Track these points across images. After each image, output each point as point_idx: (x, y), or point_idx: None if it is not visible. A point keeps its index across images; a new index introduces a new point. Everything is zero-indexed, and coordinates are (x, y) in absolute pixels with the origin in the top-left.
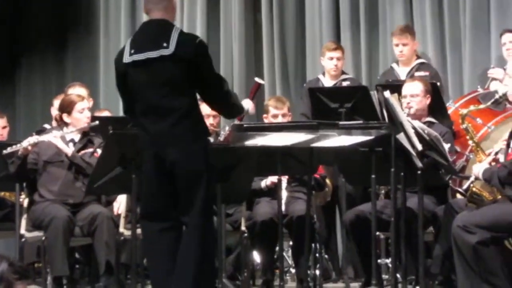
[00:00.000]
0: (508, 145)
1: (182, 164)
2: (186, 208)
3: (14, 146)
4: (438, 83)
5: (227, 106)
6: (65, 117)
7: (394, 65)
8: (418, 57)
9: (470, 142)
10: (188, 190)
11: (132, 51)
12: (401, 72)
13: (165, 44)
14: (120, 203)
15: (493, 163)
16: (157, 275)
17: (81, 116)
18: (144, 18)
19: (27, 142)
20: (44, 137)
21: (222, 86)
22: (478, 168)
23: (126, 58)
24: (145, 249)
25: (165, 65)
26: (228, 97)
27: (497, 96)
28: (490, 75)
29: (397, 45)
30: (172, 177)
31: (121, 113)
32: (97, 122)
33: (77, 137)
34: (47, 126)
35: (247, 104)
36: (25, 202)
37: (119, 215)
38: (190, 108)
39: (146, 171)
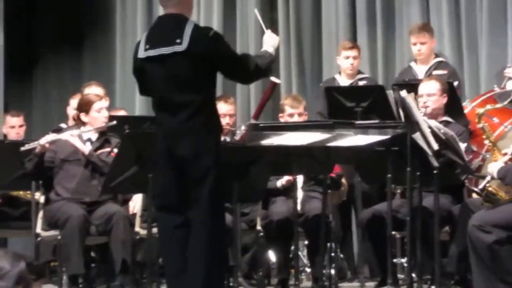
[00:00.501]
0: None
1: (190, 159)
2: (193, 204)
3: (32, 143)
4: (456, 82)
5: (255, 79)
6: (82, 116)
7: (412, 64)
8: (437, 55)
9: (486, 141)
10: (196, 186)
11: (147, 46)
12: (419, 70)
13: (178, 40)
14: (136, 202)
15: (509, 162)
16: (171, 274)
17: (98, 116)
18: (161, 13)
19: (45, 140)
20: (62, 136)
21: (245, 68)
22: (493, 167)
23: (141, 53)
24: (161, 244)
25: (178, 61)
26: (253, 74)
27: None
28: (507, 74)
29: (415, 43)
30: (183, 172)
31: (137, 112)
32: (114, 122)
33: (94, 136)
34: (63, 125)
35: (272, 46)
36: (41, 199)
37: (134, 214)
38: (203, 104)
39: (159, 165)
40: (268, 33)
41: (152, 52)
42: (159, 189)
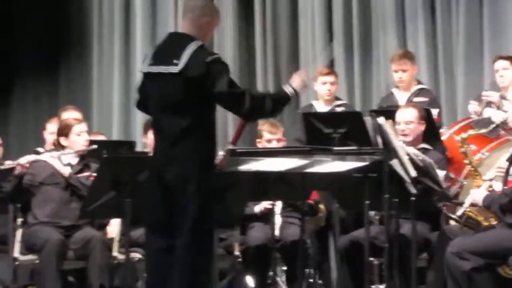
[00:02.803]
0: (507, 172)
1: (175, 185)
2: (176, 231)
3: (11, 163)
4: (437, 110)
5: (255, 116)
6: (62, 140)
7: (395, 90)
8: (418, 82)
9: (468, 166)
10: (179, 213)
11: (151, 62)
12: (401, 97)
13: (175, 61)
14: (114, 226)
15: (489, 189)
16: None
17: (78, 139)
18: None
19: (25, 160)
20: (41, 156)
21: (237, 103)
22: (477, 195)
23: (144, 67)
24: (146, 267)
25: (171, 82)
26: (251, 112)
27: (498, 122)
28: (484, 98)
29: (396, 71)
30: (169, 197)
31: (115, 137)
32: (95, 146)
33: (74, 160)
34: (40, 149)
35: (291, 88)
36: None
37: (112, 239)
38: (191, 128)
39: (149, 184)
40: (302, 72)
41: (152, 69)
42: (147, 207)
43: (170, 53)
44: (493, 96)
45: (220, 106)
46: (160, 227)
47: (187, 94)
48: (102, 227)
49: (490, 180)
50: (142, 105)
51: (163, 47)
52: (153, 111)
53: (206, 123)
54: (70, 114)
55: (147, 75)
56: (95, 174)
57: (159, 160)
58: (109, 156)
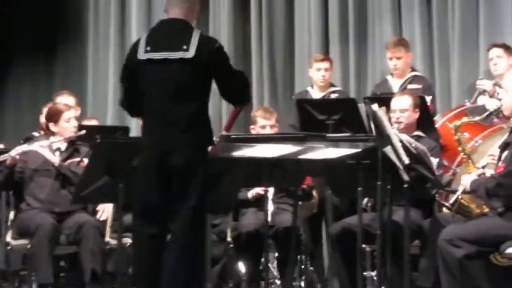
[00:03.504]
0: (499, 159)
1: (182, 171)
2: (175, 217)
3: (1, 156)
4: (431, 96)
5: (243, 100)
6: (51, 126)
7: (389, 77)
8: (413, 69)
9: (462, 153)
10: (181, 199)
11: (148, 48)
12: (395, 84)
13: (185, 47)
14: (104, 209)
15: (482, 176)
16: (141, 285)
17: (67, 125)
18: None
19: (15, 152)
20: (31, 147)
21: (241, 87)
22: (466, 179)
23: (141, 55)
24: (134, 255)
25: (183, 68)
26: (245, 95)
27: (491, 110)
28: (478, 87)
29: (391, 58)
30: (169, 183)
31: (109, 122)
32: (84, 131)
33: (63, 146)
34: (35, 134)
35: None
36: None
37: (104, 223)
38: (198, 115)
39: (145, 170)
40: None
41: (155, 55)
42: (140, 196)
43: (174, 39)
44: (487, 84)
45: (221, 90)
46: (154, 213)
47: (196, 79)
48: (95, 212)
49: (483, 167)
50: (131, 94)
51: (160, 34)
52: (154, 98)
53: (207, 109)
54: (65, 99)
55: (144, 62)
56: (85, 159)
57: (163, 146)
58: (102, 141)
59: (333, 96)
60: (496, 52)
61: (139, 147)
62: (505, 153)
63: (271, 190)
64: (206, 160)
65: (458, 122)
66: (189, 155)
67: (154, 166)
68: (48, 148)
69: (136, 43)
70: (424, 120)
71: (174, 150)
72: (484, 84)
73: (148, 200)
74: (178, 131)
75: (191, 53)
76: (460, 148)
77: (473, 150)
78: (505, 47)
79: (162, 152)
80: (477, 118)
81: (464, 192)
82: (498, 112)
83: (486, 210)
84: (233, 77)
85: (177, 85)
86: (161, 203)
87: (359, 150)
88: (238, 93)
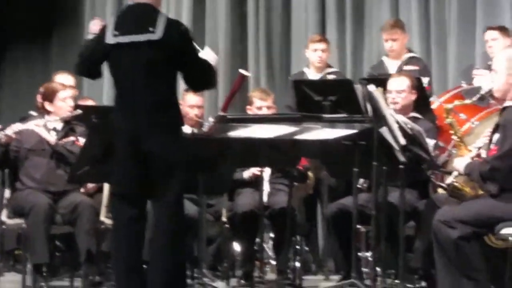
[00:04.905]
0: (490, 141)
1: (159, 154)
2: (156, 198)
3: None
4: (428, 78)
5: (207, 88)
6: (47, 105)
7: (384, 58)
8: (409, 50)
9: (453, 136)
10: (162, 181)
11: (117, 33)
12: (391, 65)
13: (151, 29)
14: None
15: (475, 158)
16: (120, 268)
17: (63, 105)
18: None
19: (11, 130)
20: (27, 125)
21: (206, 72)
22: (460, 163)
23: (110, 39)
24: (113, 237)
25: (151, 50)
26: (210, 81)
27: (483, 92)
28: (475, 76)
29: (386, 40)
30: (146, 165)
31: (105, 102)
32: (79, 111)
33: (59, 125)
34: (33, 113)
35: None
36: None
37: (99, 204)
38: (169, 97)
39: (120, 154)
40: (207, 50)
41: (123, 39)
42: (118, 178)
43: (140, 23)
44: (484, 74)
45: (185, 76)
46: (132, 197)
47: (164, 61)
48: (91, 194)
49: (479, 148)
50: (97, 75)
51: (127, 18)
52: (126, 82)
53: (176, 92)
54: (65, 78)
55: (113, 47)
56: (80, 138)
57: (135, 130)
58: (98, 121)
59: (330, 77)
60: (491, 34)
61: (113, 131)
62: (496, 135)
63: (267, 171)
64: (181, 142)
65: (449, 106)
66: (161, 139)
67: (129, 151)
68: (44, 127)
69: (102, 29)
70: (421, 101)
71: (146, 134)
72: (480, 73)
73: (125, 184)
74: (149, 115)
75: (158, 35)
76: (452, 131)
77: (469, 132)
78: (500, 29)
79: (134, 136)
80: (468, 101)
81: (458, 174)
82: (489, 93)
83: (480, 192)
84: (199, 61)
85: (146, 67)
86: (139, 186)
87: (355, 131)
88: (202, 77)
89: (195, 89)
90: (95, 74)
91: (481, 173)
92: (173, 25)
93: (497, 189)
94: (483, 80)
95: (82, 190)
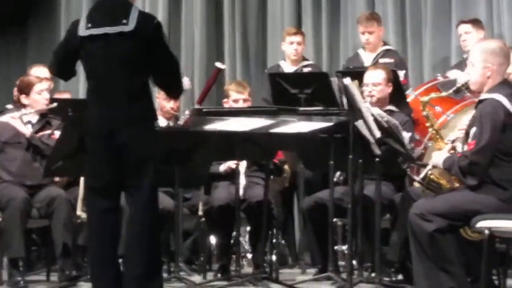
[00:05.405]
0: (467, 134)
1: (131, 147)
2: (129, 191)
3: None
4: (404, 71)
5: (178, 89)
6: (23, 98)
7: (360, 51)
8: (385, 43)
9: (430, 129)
10: (135, 173)
11: (89, 25)
12: (366, 58)
13: (124, 21)
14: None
15: (451, 151)
16: (95, 261)
17: (39, 98)
18: None
19: None
20: (2, 118)
21: (177, 70)
22: (438, 157)
23: (83, 31)
24: (89, 230)
25: (123, 42)
26: (180, 81)
27: (459, 85)
28: (449, 77)
29: (363, 33)
30: (119, 157)
31: (81, 96)
32: (55, 104)
33: (34, 118)
34: (9, 106)
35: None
36: None
37: (76, 198)
38: (142, 90)
39: (93, 148)
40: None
41: (96, 31)
42: (91, 171)
43: (113, 15)
44: (460, 76)
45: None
46: (105, 189)
47: (136, 54)
48: (67, 186)
49: (453, 141)
50: (72, 72)
51: (100, 11)
52: (99, 75)
53: (149, 84)
54: (41, 71)
55: (86, 39)
56: (56, 132)
57: (108, 123)
58: (74, 114)
59: (306, 70)
60: (464, 28)
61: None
62: (473, 129)
63: (243, 164)
64: (153, 135)
65: (425, 98)
66: (134, 131)
67: (102, 143)
68: (19, 120)
69: (75, 22)
70: (397, 94)
71: (119, 127)
72: (454, 75)
73: (99, 177)
74: (122, 107)
75: (130, 27)
76: (428, 124)
77: (445, 124)
78: (473, 22)
79: (107, 129)
80: (444, 93)
81: (434, 167)
82: (465, 86)
83: (456, 185)
84: (170, 55)
85: (118, 60)
86: (112, 178)
87: (331, 124)
88: (173, 74)
89: (165, 86)
90: (69, 74)
91: (460, 168)
92: (146, 17)
93: (477, 183)
94: (458, 72)
95: (56, 179)
